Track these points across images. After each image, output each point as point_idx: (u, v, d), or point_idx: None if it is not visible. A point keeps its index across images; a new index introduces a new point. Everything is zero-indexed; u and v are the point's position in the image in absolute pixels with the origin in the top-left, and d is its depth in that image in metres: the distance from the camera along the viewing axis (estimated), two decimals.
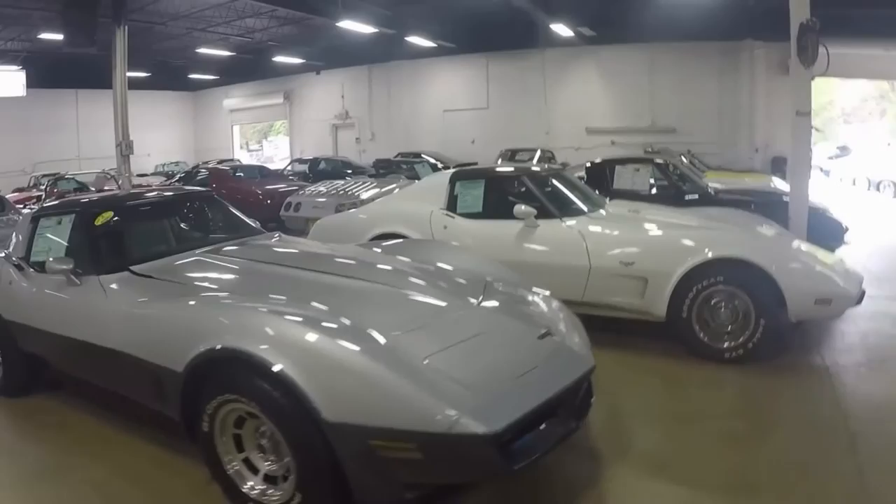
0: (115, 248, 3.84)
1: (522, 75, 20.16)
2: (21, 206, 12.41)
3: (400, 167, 14.73)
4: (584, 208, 5.58)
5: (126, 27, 13.57)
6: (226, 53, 21.17)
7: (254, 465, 2.78)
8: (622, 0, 16.51)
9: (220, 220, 4.70)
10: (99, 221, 3.85)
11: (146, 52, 21.83)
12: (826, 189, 15.85)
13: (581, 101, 19.60)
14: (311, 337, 2.54)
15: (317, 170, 15.17)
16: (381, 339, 2.62)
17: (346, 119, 23.79)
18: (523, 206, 5.48)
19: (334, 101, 24.01)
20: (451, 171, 6.52)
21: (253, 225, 4.57)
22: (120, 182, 13.05)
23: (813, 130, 7.70)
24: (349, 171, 15.95)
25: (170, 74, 25.00)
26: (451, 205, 6.09)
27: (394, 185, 9.56)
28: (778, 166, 16.81)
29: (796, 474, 3.00)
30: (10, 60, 20.63)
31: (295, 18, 19.10)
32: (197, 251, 3.85)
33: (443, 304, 3.15)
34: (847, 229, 7.36)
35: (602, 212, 5.63)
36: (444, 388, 2.42)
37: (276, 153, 30.26)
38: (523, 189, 6.02)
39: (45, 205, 4.52)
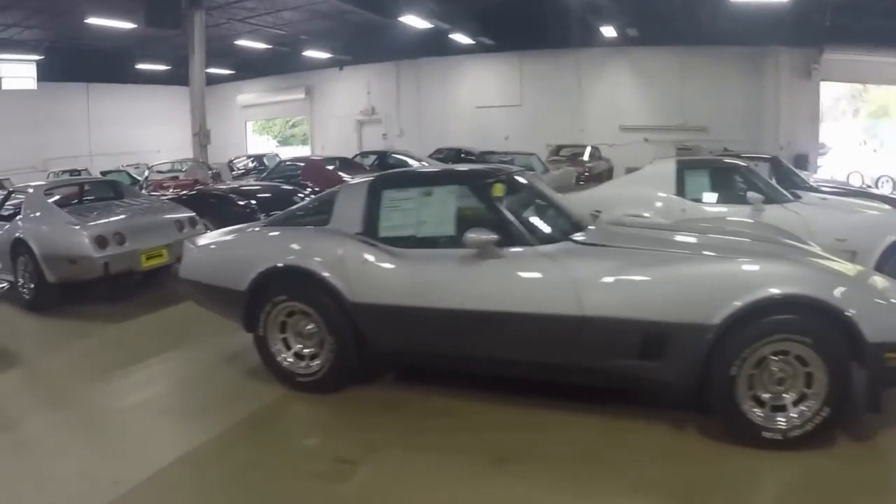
0: (528, 219, 3.84)
1: (556, 74, 20.76)
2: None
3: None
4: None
5: (203, 13, 13.44)
6: (262, 46, 21.04)
7: None
8: (658, 4, 17.39)
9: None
10: (498, 192, 3.85)
11: (170, 44, 21.53)
12: None
13: (614, 100, 20.32)
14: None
15: (387, 163, 15.35)
16: None
17: (372, 115, 23.87)
18: (752, 193, 6.19)
19: (359, 97, 24.03)
20: (675, 159, 7.04)
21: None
22: (209, 172, 12.89)
23: None
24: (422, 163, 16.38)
25: (185, 69, 24.53)
26: (681, 190, 6.65)
27: None
28: (800, 163, 17.87)
29: None
30: (26, 51, 20.01)
31: (332, 12, 19.23)
32: (592, 225, 4.02)
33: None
34: None
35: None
36: None
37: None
38: (741, 179, 6.69)
39: (381, 176, 4.36)
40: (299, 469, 3.24)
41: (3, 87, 20.14)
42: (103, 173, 17.31)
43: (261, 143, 31.50)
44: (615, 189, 7.39)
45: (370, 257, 3.79)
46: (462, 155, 18.94)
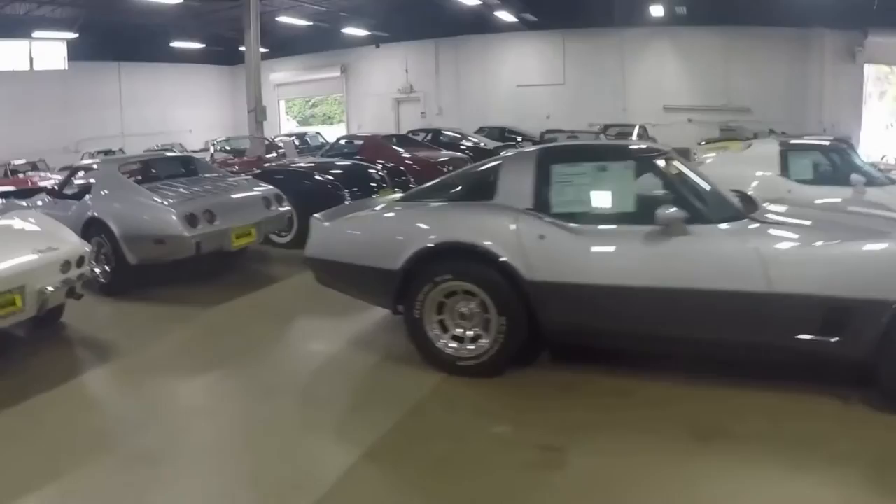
0: (704, 196, 3.85)
1: (599, 53, 20.75)
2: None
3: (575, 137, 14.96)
4: None
5: None
6: (302, 22, 21.02)
7: None
8: None
9: None
10: (673, 171, 3.92)
11: (205, 21, 21.46)
12: None
13: (658, 80, 20.29)
14: None
15: (439, 140, 15.34)
16: None
17: (410, 93, 23.89)
18: (855, 175, 6.24)
19: (397, 75, 24.02)
20: (777, 141, 7.11)
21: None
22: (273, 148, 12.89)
23: None
24: (519, 139, 16.38)
25: (224, 47, 24.53)
26: (785, 171, 6.73)
27: None
28: None
29: None
30: (60, 28, 19.92)
31: None
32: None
33: None
34: None
35: None
36: None
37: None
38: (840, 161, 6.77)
39: (547, 150, 4.29)
40: (504, 460, 3.03)
41: (35, 68, 20.16)
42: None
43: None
44: (712, 169, 7.45)
45: (548, 234, 3.67)
46: (506, 133, 19.03)
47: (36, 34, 19.37)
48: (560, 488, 2.82)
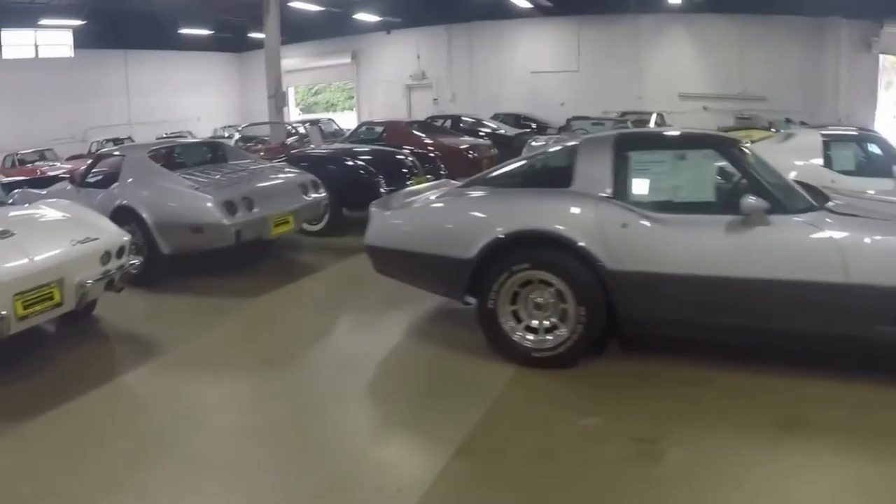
0: (780, 187, 3.84)
1: (614, 40, 20.63)
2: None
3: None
4: None
5: None
6: (314, 8, 20.84)
7: None
8: None
9: None
10: (750, 160, 3.90)
11: (213, 7, 21.22)
12: None
13: (673, 67, 20.18)
14: None
15: (459, 126, 15.29)
16: None
17: (422, 79, 23.75)
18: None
19: (408, 62, 23.86)
20: (819, 131, 7.09)
21: None
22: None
23: None
24: (534, 127, 16.29)
25: (232, 33, 24.34)
26: (828, 161, 6.71)
27: None
28: None
29: None
30: (68, 15, 19.67)
31: None
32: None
33: None
34: None
35: None
36: None
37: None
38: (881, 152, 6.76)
39: (624, 137, 4.26)
40: (599, 452, 3.00)
41: (40, 55, 19.85)
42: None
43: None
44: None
45: (630, 222, 3.63)
46: (521, 120, 18.96)
47: (42, 22, 19.12)
48: (658, 480, 2.81)
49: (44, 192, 7.02)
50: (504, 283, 3.82)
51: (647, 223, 3.64)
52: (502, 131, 15.64)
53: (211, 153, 7.57)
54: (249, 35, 25.22)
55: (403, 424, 3.46)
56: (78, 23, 19.53)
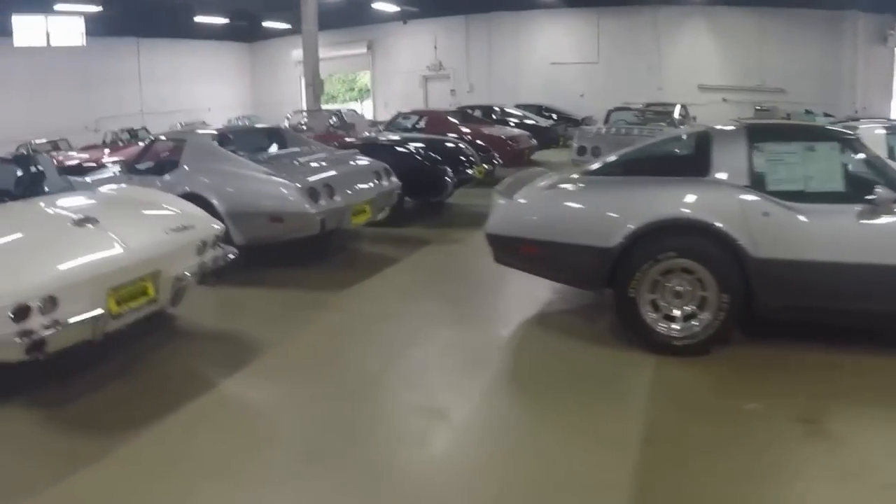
0: None
1: (634, 31, 20.81)
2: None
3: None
4: None
5: None
6: None
7: None
8: None
9: None
10: (872, 153, 4.09)
11: None
12: None
13: (693, 59, 20.42)
14: None
15: (490, 116, 15.30)
16: None
17: (439, 70, 23.79)
18: None
19: (425, 52, 23.90)
20: (882, 125, 7.22)
21: None
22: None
23: None
24: (555, 117, 16.43)
25: (248, 21, 24.22)
26: (891, 154, 6.87)
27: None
28: None
29: None
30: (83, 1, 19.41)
31: None
32: None
33: None
34: None
35: None
36: None
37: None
38: None
39: (755, 128, 4.36)
40: (773, 436, 3.04)
41: (52, 44, 19.45)
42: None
43: None
44: None
45: (771, 211, 3.72)
46: (543, 111, 19.06)
47: (56, 7, 18.79)
48: (832, 460, 2.86)
49: (87, 179, 6.65)
50: (647, 271, 3.84)
51: (784, 212, 3.75)
52: (532, 122, 15.73)
53: (271, 139, 7.34)
54: (264, 24, 25.20)
55: (575, 416, 3.35)
56: (94, 9, 19.26)
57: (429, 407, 3.50)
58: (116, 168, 7.10)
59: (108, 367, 3.89)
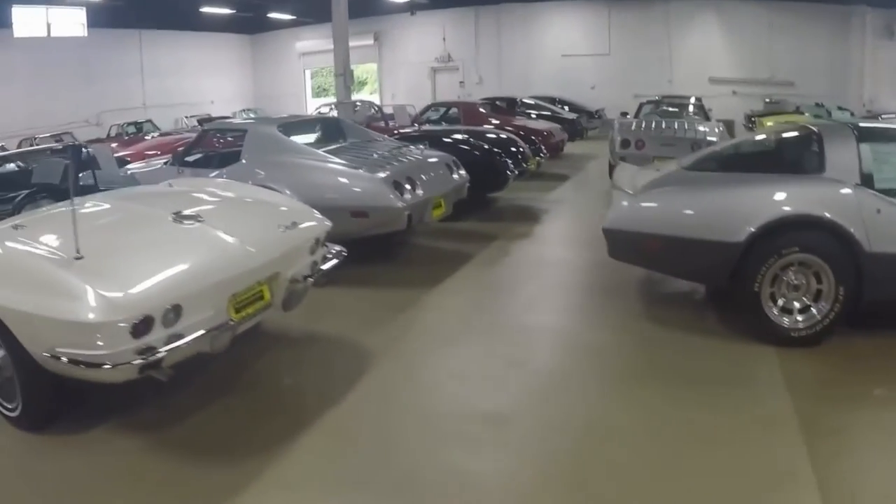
0: None
1: (645, 24, 20.90)
2: None
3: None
4: None
5: None
6: None
7: None
8: None
9: None
10: None
11: None
12: None
13: (703, 52, 20.52)
14: None
15: (515, 109, 15.25)
16: None
17: (448, 62, 23.68)
18: None
19: (433, 44, 23.75)
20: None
21: None
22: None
23: None
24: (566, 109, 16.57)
25: (253, 13, 23.91)
26: None
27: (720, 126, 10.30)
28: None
29: None
30: None
31: None
32: None
33: None
34: None
35: None
36: None
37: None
38: None
39: (861, 127, 4.42)
40: None
41: (52, 34, 18.65)
42: None
43: None
44: None
45: (883, 208, 3.87)
46: (556, 103, 19.09)
47: None
48: None
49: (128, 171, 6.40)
50: (771, 266, 3.97)
51: (893, 209, 3.90)
52: (559, 114, 15.78)
53: (329, 130, 7.02)
54: (269, 15, 24.89)
55: (728, 404, 3.40)
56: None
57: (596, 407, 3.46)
58: (159, 162, 6.88)
59: (205, 380, 3.64)
